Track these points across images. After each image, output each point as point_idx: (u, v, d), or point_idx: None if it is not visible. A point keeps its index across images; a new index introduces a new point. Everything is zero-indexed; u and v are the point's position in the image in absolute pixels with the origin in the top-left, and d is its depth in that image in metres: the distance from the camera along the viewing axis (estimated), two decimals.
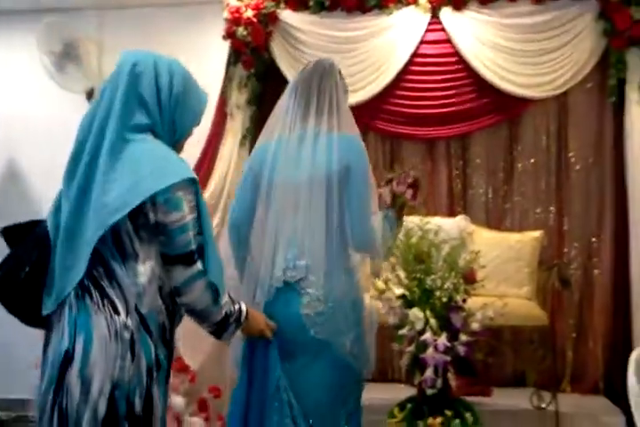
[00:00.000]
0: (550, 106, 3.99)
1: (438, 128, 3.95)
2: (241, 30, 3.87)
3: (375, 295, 2.19)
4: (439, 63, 3.96)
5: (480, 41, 3.88)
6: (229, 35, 3.91)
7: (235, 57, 3.96)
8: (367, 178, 2.00)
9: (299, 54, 3.99)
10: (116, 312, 1.46)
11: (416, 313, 2.12)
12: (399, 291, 2.17)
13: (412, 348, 2.16)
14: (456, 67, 3.94)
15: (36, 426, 1.51)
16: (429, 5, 3.88)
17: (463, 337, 2.16)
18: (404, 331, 2.15)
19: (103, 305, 1.46)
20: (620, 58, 3.74)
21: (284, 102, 2.09)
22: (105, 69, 4.29)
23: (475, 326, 2.17)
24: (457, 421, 2.15)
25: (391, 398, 3.03)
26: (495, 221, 3.97)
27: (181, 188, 1.49)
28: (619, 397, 3.62)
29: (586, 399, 3.65)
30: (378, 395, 3.30)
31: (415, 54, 3.94)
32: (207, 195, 3.76)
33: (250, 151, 3.94)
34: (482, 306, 2.16)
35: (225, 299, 1.60)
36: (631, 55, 3.73)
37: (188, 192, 1.51)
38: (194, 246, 1.51)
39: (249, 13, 3.86)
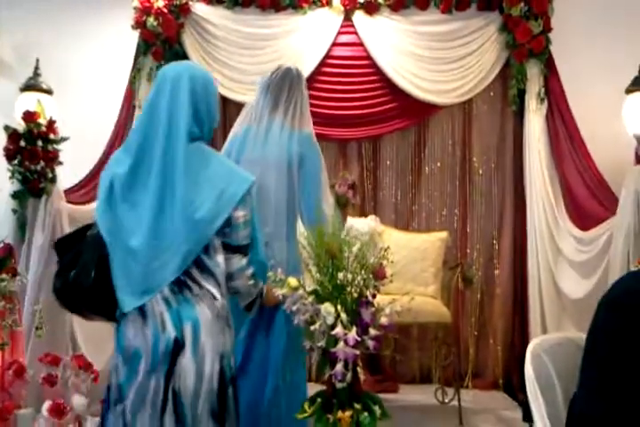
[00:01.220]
0: (456, 112, 4.14)
1: (350, 129, 4.00)
2: (151, 20, 3.77)
3: (288, 292, 2.16)
4: (351, 66, 4.03)
5: (390, 46, 3.98)
6: (139, 24, 3.81)
7: (144, 47, 3.86)
8: (319, 167, 2.37)
9: (211, 48, 3.94)
10: (215, 298, 1.72)
11: (328, 308, 2.10)
12: (310, 287, 2.15)
13: (322, 343, 2.13)
14: (367, 70, 4.02)
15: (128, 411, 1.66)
16: (343, 8, 3.94)
17: (372, 331, 2.16)
18: (315, 326, 2.13)
19: (204, 295, 1.71)
20: (520, 69, 3.94)
21: (256, 99, 2.46)
22: (2, 55, 4.06)
23: (383, 320, 2.17)
24: (365, 414, 2.15)
25: None
26: (403, 221, 4.08)
27: (250, 190, 1.78)
28: (516, 392, 3.80)
29: (486, 395, 3.81)
30: None
31: (327, 56, 3.99)
32: None
33: None
34: (390, 301, 2.17)
35: (260, 283, 1.90)
36: (530, 67, 3.94)
37: (249, 194, 1.78)
38: (248, 241, 1.79)
39: (160, 4, 3.77)
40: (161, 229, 1.68)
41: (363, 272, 2.21)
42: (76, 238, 1.78)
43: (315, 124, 4.23)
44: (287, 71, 2.47)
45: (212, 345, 1.69)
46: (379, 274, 2.26)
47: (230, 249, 1.77)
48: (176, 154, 1.70)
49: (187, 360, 1.66)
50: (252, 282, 1.85)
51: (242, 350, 2.32)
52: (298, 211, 2.36)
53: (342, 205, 2.48)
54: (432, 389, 3.64)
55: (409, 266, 3.48)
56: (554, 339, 1.85)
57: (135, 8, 3.80)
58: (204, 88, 1.79)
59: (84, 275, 1.69)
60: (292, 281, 2.19)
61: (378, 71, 3.98)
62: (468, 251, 4.07)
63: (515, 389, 3.83)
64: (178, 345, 1.66)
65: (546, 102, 3.87)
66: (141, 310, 1.68)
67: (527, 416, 3.03)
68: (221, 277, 1.74)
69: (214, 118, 1.85)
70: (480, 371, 4.00)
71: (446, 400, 3.46)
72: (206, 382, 1.67)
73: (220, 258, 1.75)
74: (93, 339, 3.40)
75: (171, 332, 1.66)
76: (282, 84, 2.44)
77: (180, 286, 1.69)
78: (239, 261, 1.79)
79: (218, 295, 1.73)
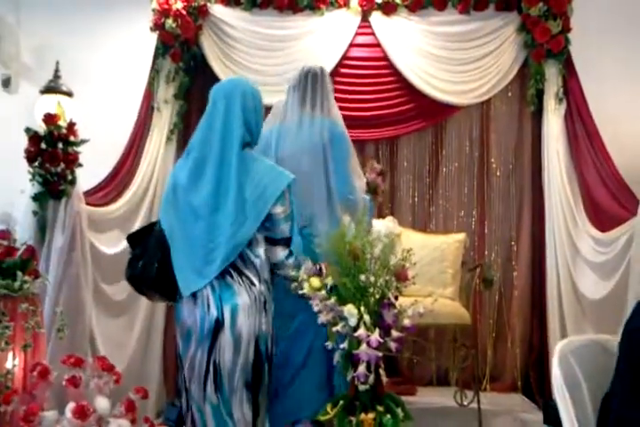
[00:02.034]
0: (474, 113, 4.13)
1: (367, 131, 3.99)
2: (170, 22, 3.78)
3: (310, 293, 2.16)
4: (368, 66, 4.03)
5: (408, 47, 3.97)
6: (157, 26, 3.82)
7: (163, 49, 3.87)
8: (347, 147, 2.65)
9: (228, 49, 3.95)
10: (253, 284, 1.98)
11: (351, 309, 2.10)
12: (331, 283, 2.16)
13: (345, 344, 2.14)
14: (385, 71, 4.01)
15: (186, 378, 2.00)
16: (360, 9, 3.94)
17: (395, 333, 2.15)
18: (337, 328, 2.13)
19: (242, 281, 1.98)
20: (539, 69, 3.92)
21: (285, 100, 2.75)
22: (23, 58, 4.09)
23: (406, 321, 2.17)
24: (388, 416, 2.14)
25: None
26: (421, 223, 4.07)
27: (286, 189, 2.03)
28: (535, 394, 3.78)
29: (505, 397, 3.78)
30: None
31: (345, 57, 3.99)
32: (132, 190, 3.63)
33: (177, 146, 3.90)
34: (412, 302, 2.17)
35: (302, 265, 2.10)
36: (549, 67, 3.91)
37: (288, 191, 2.04)
38: (289, 234, 2.04)
39: (178, 5, 3.79)
40: (214, 225, 1.96)
41: (385, 274, 2.21)
42: (145, 232, 2.12)
43: None
44: (309, 70, 2.74)
45: (249, 326, 1.95)
46: (401, 276, 2.26)
47: (272, 242, 2.03)
48: (231, 160, 1.99)
49: (225, 337, 1.94)
50: (294, 273, 2.05)
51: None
52: (333, 189, 2.59)
53: (372, 191, 2.77)
54: (450, 391, 3.63)
55: (427, 267, 3.47)
56: (580, 341, 1.85)
57: (154, 10, 3.81)
58: (253, 101, 2.10)
59: (149, 266, 2.03)
60: (315, 281, 2.20)
61: (395, 72, 3.98)
62: (486, 252, 4.05)
63: (533, 391, 3.82)
64: (218, 324, 1.94)
65: (564, 102, 3.84)
66: (193, 294, 1.99)
67: (548, 419, 3.01)
68: (260, 267, 2.00)
69: (261, 125, 2.16)
70: (498, 373, 3.98)
71: (465, 403, 3.44)
72: (242, 357, 1.94)
73: (261, 250, 2.00)
74: (112, 341, 3.43)
75: (213, 313, 1.95)
76: (306, 82, 2.71)
77: (224, 273, 1.96)
78: (282, 253, 2.05)
79: (256, 282, 1.99)
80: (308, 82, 2.71)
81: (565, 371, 1.74)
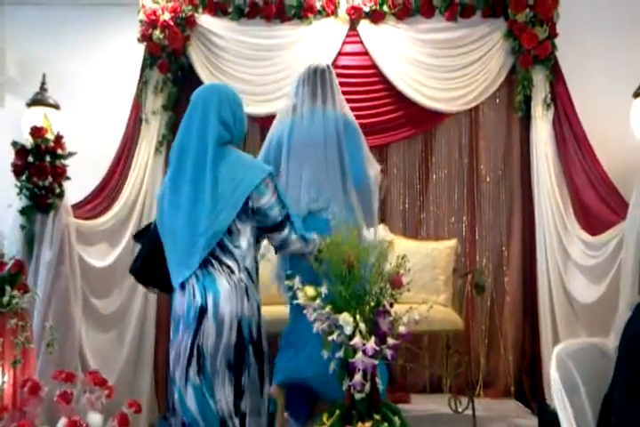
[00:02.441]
0: (463, 120, 4.14)
1: None
2: (157, 33, 3.77)
3: (305, 302, 2.15)
4: (357, 75, 4.02)
5: (396, 54, 3.98)
6: (145, 37, 3.80)
7: (150, 60, 3.84)
8: (360, 139, 2.82)
9: (216, 60, 3.94)
10: (232, 272, 2.10)
11: (346, 318, 2.08)
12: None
13: (340, 353, 2.12)
14: (373, 79, 4.02)
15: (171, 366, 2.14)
16: (348, 17, 3.95)
17: (390, 341, 2.14)
18: (333, 336, 2.11)
19: (222, 270, 2.09)
20: (526, 75, 3.93)
21: (294, 93, 2.88)
22: (9, 71, 4.06)
23: (402, 329, 2.16)
24: (385, 424, 2.12)
25: None
26: (411, 230, 4.06)
27: (266, 179, 2.15)
28: (529, 399, 3.77)
29: (498, 403, 3.77)
30: None
31: (333, 65, 3.95)
32: (121, 202, 3.60)
33: (165, 158, 3.87)
34: (407, 309, 2.16)
35: (313, 238, 2.29)
36: (536, 73, 3.93)
37: (269, 181, 2.16)
38: (281, 217, 2.18)
39: (166, 16, 3.77)
40: (194, 219, 2.08)
41: (380, 281, 2.20)
42: (144, 231, 2.35)
43: None
44: (317, 66, 2.91)
45: (230, 311, 2.07)
46: (396, 282, 2.25)
47: (268, 230, 2.19)
48: (206, 157, 2.11)
49: (209, 322, 2.06)
50: (299, 244, 2.24)
51: None
52: (348, 175, 2.75)
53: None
54: (443, 398, 3.62)
55: (419, 274, 3.45)
56: (577, 344, 1.85)
57: (141, 21, 3.79)
58: (228, 101, 2.21)
59: (135, 263, 2.32)
60: (310, 291, 2.18)
61: (384, 80, 3.98)
62: (477, 258, 4.04)
63: (527, 396, 3.81)
64: (202, 311, 2.06)
65: (552, 108, 3.86)
66: (182, 285, 2.12)
67: (543, 424, 3.00)
68: (240, 256, 2.12)
69: (241, 123, 2.25)
70: (491, 379, 3.96)
71: (460, 409, 3.43)
72: (224, 340, 2.06)
73: (242, 241, 2.13)
74: (102, 355, 3.39)
75: (198, 300, 2.07)
76: (315, 78, 2.87)
77: (206, 263, 2.09)
78: (280, 235, 2.20)
79: (236, 270, 2.10)
80: (317, 77, 2.87)
81: (563, 374, 1.74)
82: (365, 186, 2.81)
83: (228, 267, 2.11)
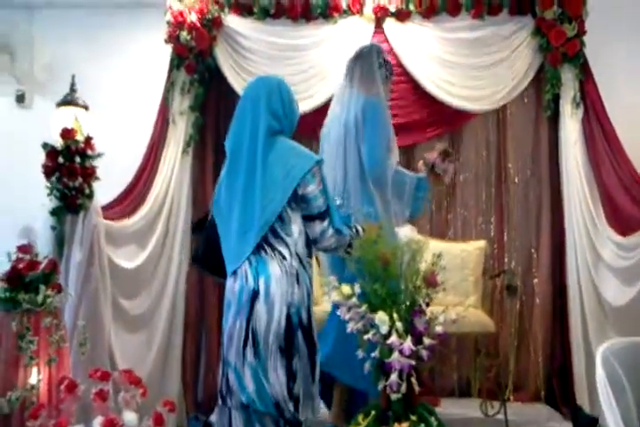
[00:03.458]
0: (490, 119, 4.10)
1: None
2: (184, 34, 3.77)
3: (340, 300, 2.13)
4: None
5: (422, 53, 3.95)
6: (172, 39, 3.80)
7: (177, 61, 3.84)
8: (379, 125, 2.78)
9: (243, 60, 3.93)
10: (284, 258, 2.16)
11: (382, 317, 2.06)
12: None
13: (376, 353, 2.09)
14: (399, 78, 3.96)
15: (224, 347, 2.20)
16: (374, 16, 3.92)
17: (427, 341, 2.11)
18: (368, 336, 2.09)
19: (274, 255, 2.16)
20: (555, 74, 3.89)
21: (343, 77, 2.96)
22: (37, 73, 4.09)
23: (438, 328, 2.13)
24: (422, 425, 2.09)
25: None
26: (439, 231, 4.03)
27: (314, 168, 2.19)
28: (559, 403, 3.71)
29: (529, 407, 3.71)
30: None
31: None
32: (149, 204, 3.61)
33: (193, 159, 3.89)
34: (444, 309, 2.13)
35: (344, 238, 2.27)
36: (565, 71, 3.88)
37: (317, 170, 2.20)
38: (325, 207, 2.21)
39: (193, 18, 3.77)
40: (247, 207, 2.16)
41: (415, 279, 2.18)
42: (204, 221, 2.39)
43: None
44: (359, 49, 2.97)
45: (281, 295, 2.12)
46: (431, 281, 2.22)
47: (310, 218, 2.21)
48: (257, 146, 2.18)
49: (260, 306, 2.12)
50: (335, 238, 2.23)
51: None
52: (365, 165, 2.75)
53: (430, 169, 2.85)
54: (472, 402, 3.58)
55: (448, 275, 3.37)
56: (622, 343, 1.82)
57: (168, 22, 3.80)
58: (279, 91, 2.25)
59: (197, 251, 2.40)
60: (345, 289, 2.16)
61: (410, 79, 3.95)
62: (506, 260, 4.00)
63: (557, 400, 3.75)
64: (255, 294, 2.13)
65: (582, 107, 3.81)
66: (235, 271, 2.19)
67: None
68: (292, 243, 2.17)
69: (292, 113, 2.28)
70: (521, 383, 3.90)
71: (490, 413, 3.38)
72: (275, 324, 2.11)
73: (295, 228, 2.18)
74: (131, 355, 3.39)
75: (251, 284, 2.14)
76: (353, 64, 2.93)
77: (259, 248, 2.16)
78: (320, 226, 2.21)
79: (287, 256, 2.16)
80: (354, 62, 2.92)
81: (608, 372, 1.71)
82: (378, 174, 2.75)
83: (280, 253, 2.16)
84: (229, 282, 2.22)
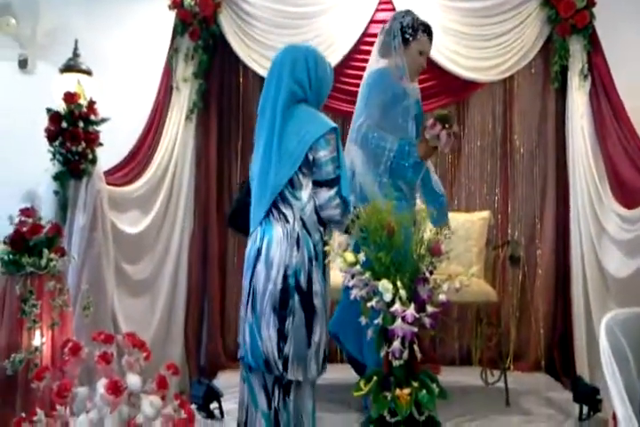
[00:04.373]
0: (496, 90, 4.07)
1: None
2: (188, 0, 3.71)
3: (344, 268, 2.13)
4: None
5: (430, 22, 3.84)
6: (176, 4, 3.75)
7: (181, 28, 3.79)
8: (369, 92, 2.86)
9: (247, 27, 3.88)
10: (287, 221, 2.20)
11: (386, 284, 2.07)
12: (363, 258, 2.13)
13: (379, 320, 2.10)
14: None
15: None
16: None
17: (430, 309, 2.12)
18: (372, 303, 2.09)
19: (280, 218, 2.22)
20: (563, 45, 3.85)
21: None
22: (39, 38, 4.03)
23: (442, 297, 2.14)
24: (424, 391, 2.11)
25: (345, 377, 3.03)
26: None
27: (328, 134, 2.20)
28: (559, 373, 3.75)
29: (529, 376, 3.77)
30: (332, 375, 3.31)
31: (365, 33, 3.91)
32: (152, 170, 3.60)
33: (196, 125, 3.86)
34: (447, 277, 2.13)
35: (347, 215, 2.24)
36: (573, 43, 3.84)
37: (332, 137, 2.21)
38: (334, 175, 2.21)
39: None
40: (264, 172, 2.23)
41: (419, 248, 2.18)
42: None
43: (352, 102, 4.21)
44: (390, 20, 2.97)
45: (279, 257, 2.17)
46: (435, 250, 2.22)
47: (318, 184, 2.22)
48: (277, 112, 2.21)
49: (260, 265, 2.19)
50: (340, 209, 2.21)
51: None
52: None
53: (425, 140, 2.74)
54: (472, 370, 3.62)
55: (452, 245, 3.40)
56: (626, 313, 1.82)
57: None
58: (305, 59, 2.25)
59: (231, 214, 2.48)
60: (349, 256, 2.16)
61: None
62: (510, 231, 4.01)
63: (557, 370, 3.79)
64: (258, 253, 2.21)
65: (589, 79, 3.77)
66: (252, 232, 2.27)
67: (578, 397, 2.99)
68: (299, 208, 2.20)
69: (319, 83, 2.27)
70: (522, 352, 3.95)
71: (491, 382, 3.42)
72: (271, 284, 2.16)
73: (304, 194, 2.21)
74: (134, 320, 3.42)
75: (257, 243, 2.22)
76: (380, 35, 2.98)
77: (269, 211, 2.23)
78: (327, 193, 2.21)
79: (291, 220, 2.20)
80: (380, 33, 2.97)
81: (612, 343, 1.71)
82: (356, 139, 2.84)
83: (285, 216, 2.21)
84: (249, 242, 2.30)
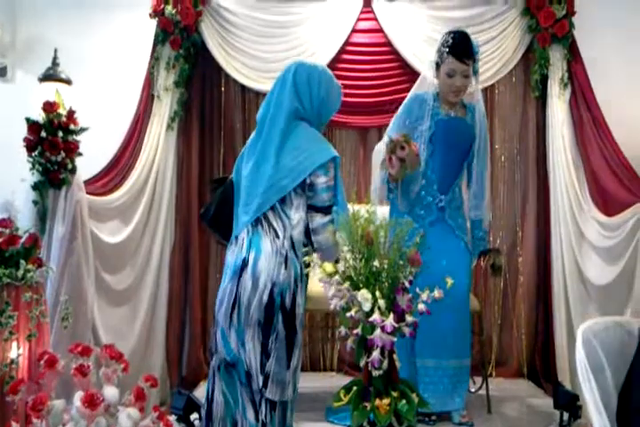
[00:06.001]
0: None
1: (371, 117, 3.95)
2: (169, 8, 3.72)
3: (324, 278, 2.13)
4: (371, 52, 3.98)
5: (411, 32, 3.92)
6: (157, 13, 3.75)
7: (162, 36, 3.79)
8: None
9: (229, 36, 3.89)
10: (277, 237, 2.22)
11: (365, 294, 2.07)
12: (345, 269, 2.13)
13: (358, 330, 2.10)
14: (388, 57, 3.97)
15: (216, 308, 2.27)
16: None
17: (409, 318, 2.12)
18: (351, 313, 2.09)
19: (269, 232, 2.22)
20: (543, 54, 3.89)
21: None
22: (19, 46, 4.01)
23: (421, 307, 2.14)
24: (403, 401, 2.11)
25: (324, 386, 3.03)
26: None
27: (330, 162, 2.24)
28: (541, 380, 3.76)
29: (511, 383, 3.79)
30: (311, 384, 3.30)
31: (347, 42, 3.93)
32: (133, 179, 3.58)
33: (178, 135, 3.85)
34: (427, 287, 2.13)
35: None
36: (553, 52, 3.88)
37: (332, 166, 2.26)
38: (329, 203, 2.25)
39: None
40: (256, 181, 2.25)
41: (398, 258, 2.18)
42: (222, 181, 2.44)
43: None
44: None
45: (267, 272, 2.18)
46: (414, 260, 2.23)
47: (314, 209, 2.25)
48: (277, 125, 2.25)
49: (247, 276, 2.20)
50: (332, 239, 2.22)
51: None
52: None
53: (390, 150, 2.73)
54: None
55: None
56: (602, 323, 1.82)
57: None
58: (308, 76, 2.28)
59: (210, 209, 2.40)
60: (328, 266, 2.16)
61: (398, 57, 3.94)
62: (491, 239, 4.01)
63: (539, 377, 3.81)
64: (244, 263, 2.21)
65: (569, 87, 3.82)
66: (236, 237, 2.29)
67: (558, 403, 2.99)
68: (289, 226, 2.22)
69: (319, 102, 2.29)
70: (504, 359, 3.97)
71: (472, 389, 3.42)
72: (257, 297, 2.17)
73: (295, 214, 2.23)
74: (114, 330, 3.39)
75: (244, 253, 2.22)
76: None
77: (258, 222, 2.24)
78: (321, 219, 2.24)
79: (281, 236, 2.22)
80: None
81: (589, 354, 1.72)
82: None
83: (275, 231, 2.22)
84: (231, 246, 2.31)
